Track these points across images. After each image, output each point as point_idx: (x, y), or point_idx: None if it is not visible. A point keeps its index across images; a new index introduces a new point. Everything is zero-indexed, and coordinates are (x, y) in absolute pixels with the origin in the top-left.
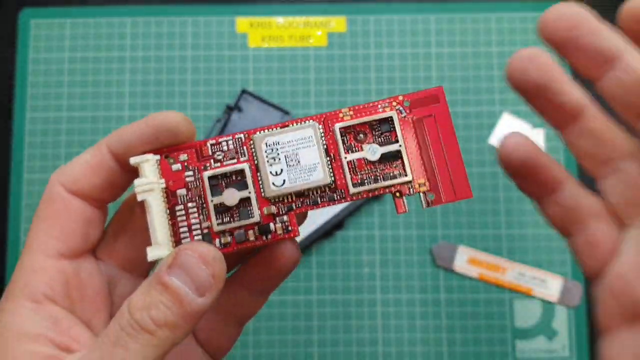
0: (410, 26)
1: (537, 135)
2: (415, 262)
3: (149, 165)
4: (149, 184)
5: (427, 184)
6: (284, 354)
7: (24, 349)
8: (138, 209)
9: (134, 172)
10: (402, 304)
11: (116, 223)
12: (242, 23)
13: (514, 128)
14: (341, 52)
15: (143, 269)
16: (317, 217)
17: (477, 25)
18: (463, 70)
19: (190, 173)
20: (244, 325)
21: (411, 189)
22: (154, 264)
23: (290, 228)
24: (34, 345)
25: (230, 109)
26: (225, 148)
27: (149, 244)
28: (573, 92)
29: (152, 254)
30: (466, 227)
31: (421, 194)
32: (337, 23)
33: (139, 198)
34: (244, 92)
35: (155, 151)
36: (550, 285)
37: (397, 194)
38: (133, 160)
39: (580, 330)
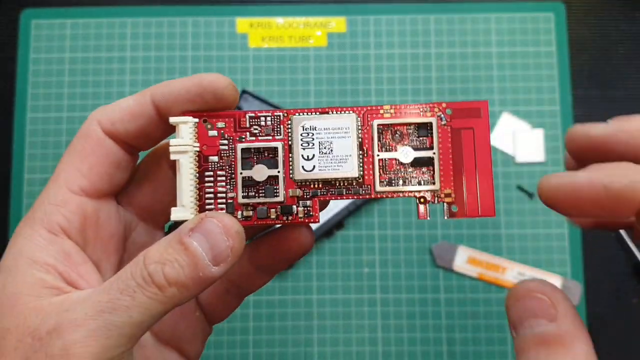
0: (410, 26)
1: (537, 135)
2: (415, 262)
3: (186, 127)
4: (185, 145)
5: (453, 195)
6: (284, 353)
7: (32, 275)
8: (165, 161)
9: (171, 127)
10: (402, 303)
11: (141, 172)
12: (243, 23)
13: (513, 128)
14: (341, 52)
15: (160, 220)
16: None
17: (477, 25)
18: (463, 70)
19: (225, 142)
20: (244, 297)
21: (436, 198)
22: (170, 216)
23: (311, 213)
24: (42, 273)
25: None
26: (262, 123)
27: (172, 198)
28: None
29: (175, 214)
30: (466, 227)
31: (445, 204)
32: (337, 23)
33: (172, 157)
34: (244, 92)
35: (194, 114)
36: None
37: (422, 200)
38: (173, 120)
39: None
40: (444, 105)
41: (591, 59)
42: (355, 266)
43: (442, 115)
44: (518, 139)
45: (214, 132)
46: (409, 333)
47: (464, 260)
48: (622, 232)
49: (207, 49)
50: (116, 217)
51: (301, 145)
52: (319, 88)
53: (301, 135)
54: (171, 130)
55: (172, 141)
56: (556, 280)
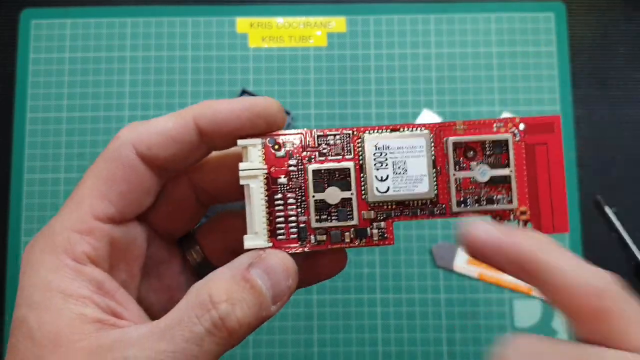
0: (410, 26)
1: None
2: (415, 262)
3: (255, 149)
4: (255, 169)
5: (528, 212)
6: (284, 353)
7: (70, 310)
8: (185, 179)
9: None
10: (402, 304)
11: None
12: (242, 23)
13: None
14: (341, 52)
15: (177, 236)
16: None
17: (477, 26)
18: (463, 70)
19: (294, 162)
20: None
21: (512, 216)
22: (185, 232)
23: (386, 235)
24: (80, 308)
25: None
26: (331, 142)
27: (192, 216)
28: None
29: (249, 242)
30: None
31: (520, 222)
32: (337, 23)
33: (242, 182)
34: (244, 92)
35: (260, 134)
36: None
37: (497, 218)
38: (241, 143)
39: None
40: (517, 120)
41: (591, 59)
42: (355, 266)
43: (516, 131)
44: None
45: (281, 153)
46: (409, 333)
47: (464, 260)
48: (622, 232)
49: (207, 49)
50: (141, 238)
51: (374, 165)
52: (319, 88)
53: (374, 155)
54: (208, 152)
55: (242, 165)
56: None
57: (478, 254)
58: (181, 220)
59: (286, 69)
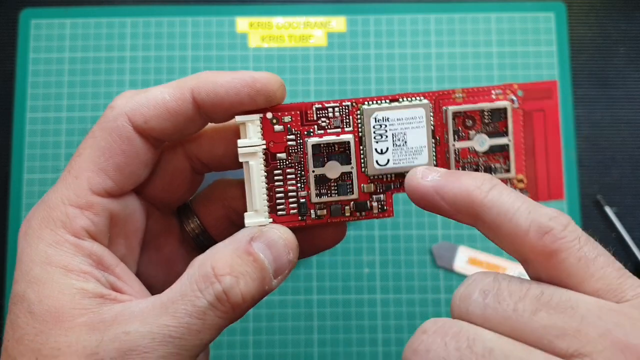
0: (410, 26)
1: None
2: (415, 262)
3: (254, 125)
4: (253, 146)
5: (525, 180)
6: (285, 353)
7: (71, 285)
8: (181, 150)
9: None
10: (402, 304)
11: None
12: (242, 23)
13: None
14: (341, 52)
15: (174, 206)
16: None
17: (477, 25)
18: (463, 70)
19: (293, 137)
20: None
21: (509, 184)
22: (182, 202)
23: (385, 208)
24: (81, 282)
25: None
26: (330, 114)
27: (189, 187)
28: None
29: (250, 220)
30: (466, 227)
31: (517, 190)
32: (337, 23)
33: (241, 159)
34: None
35: (257, 111)
36: None
37: None
38: (240, 119)
39: None
40: (515, 86)
41: (591, 59)
42: (356, 266)
43: (515, 98)
44: None
45: (280, 127)
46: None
47: (464, 260)
48: (622, 232)
49: (207, 48)
50: (139, 211)
51: (374, 138)
52: (319, 88)
53: (374, 127)
54: (204, 124)
55: (240, 142)
56: None
57: (422, 202)
58: (178, 190)
59: (286, 69)
